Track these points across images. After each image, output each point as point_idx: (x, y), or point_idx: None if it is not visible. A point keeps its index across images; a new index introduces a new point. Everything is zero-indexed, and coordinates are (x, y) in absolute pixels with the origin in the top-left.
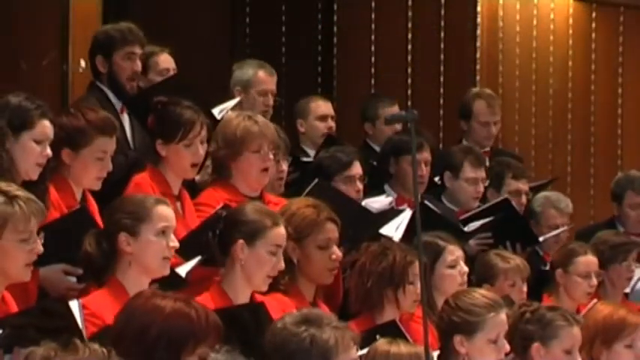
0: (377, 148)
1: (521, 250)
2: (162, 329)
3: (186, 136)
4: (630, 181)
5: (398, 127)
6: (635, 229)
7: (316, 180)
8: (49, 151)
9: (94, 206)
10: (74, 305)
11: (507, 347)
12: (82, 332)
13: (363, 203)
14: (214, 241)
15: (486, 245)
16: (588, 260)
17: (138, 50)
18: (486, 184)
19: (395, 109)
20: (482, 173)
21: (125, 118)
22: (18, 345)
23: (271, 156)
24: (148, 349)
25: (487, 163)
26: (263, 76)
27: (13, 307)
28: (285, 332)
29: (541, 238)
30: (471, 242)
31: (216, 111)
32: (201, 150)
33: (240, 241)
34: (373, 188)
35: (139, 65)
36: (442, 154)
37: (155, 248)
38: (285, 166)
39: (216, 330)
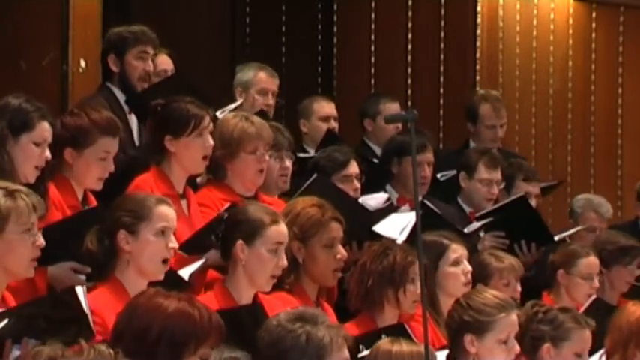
0: (375, 147)
1: (535, 250)
2: (164, 329)
3: (197, 127)
4: None
5: (399, 125)
6: None
7: (315, 175)
8: (48, 153)
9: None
10: (79, 291)
11: (517, 348)
12: (89, 320)
13: (360, 201)
14: (217, 243)
15: (501, 244)
16: (590, 262)
17: (150, 50)
18: (502, 186)
19: (396, 106)
20: (497, 175)
21: (133, 119)
22: (27, 335)
23: (267, 157)
24: (150, 348)
25: None
26: (263, 77)
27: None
28: (280, 329)
29: (556, 237)
30: (486, 242)
31: (217, 113)
32: (211, 140)
33: (240, 241)
34: (374, 188)
35: (150, 65)
36: (455, 155)
37: (153, 248)
38: (288, 163)
39: (218, 330)
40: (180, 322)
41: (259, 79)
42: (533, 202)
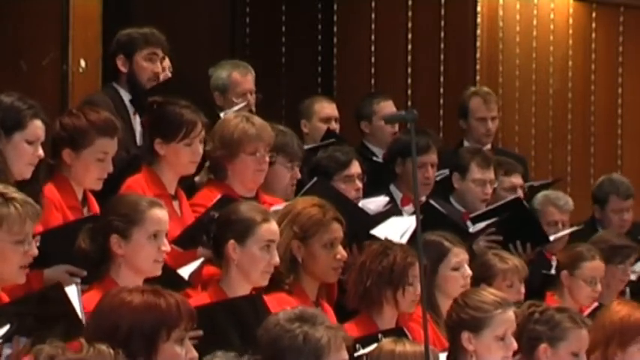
0: (374, 148)
1: (530, 250)
2: (133, 323)
3: (188, 135)
4: (614, 186)
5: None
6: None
7: (315, 178)
8: (40, 151)
9: (95, 207)
10: (73, 290)
11: (515, 345)
12: (80, 317)
13: (360, 204)
14: (209, 243)
15: (496, 244)
16: (595, 265)
17: (159, 52)
18: (495, 185)
19: (389, 104)
20: (490, 175)
21: (137, 121)
22: (17, 334)
23: (267, 158)
24: (122, 343)
25: None
26: (238, 78)
27: None
28: (279, 328)
29: (552, 237)
30: (481, 243)
31: (222, 114)
32: (201, 149)
33: (231, 241)
34: (378, 188)
35: (159, 67)
36: (450, 154)
37: (146, 252)
38: (299, 174)
39: (189, 315)
40: (146, 313)
41: (234, 82)
42: (519, 193)
